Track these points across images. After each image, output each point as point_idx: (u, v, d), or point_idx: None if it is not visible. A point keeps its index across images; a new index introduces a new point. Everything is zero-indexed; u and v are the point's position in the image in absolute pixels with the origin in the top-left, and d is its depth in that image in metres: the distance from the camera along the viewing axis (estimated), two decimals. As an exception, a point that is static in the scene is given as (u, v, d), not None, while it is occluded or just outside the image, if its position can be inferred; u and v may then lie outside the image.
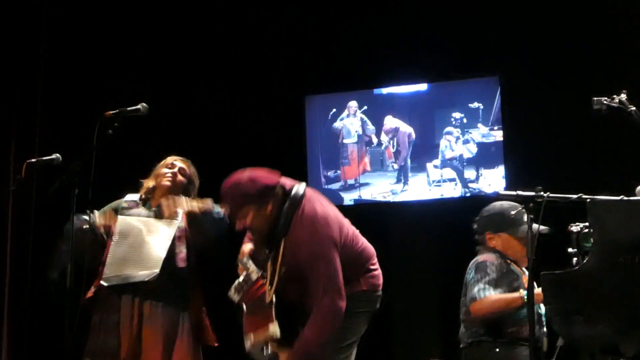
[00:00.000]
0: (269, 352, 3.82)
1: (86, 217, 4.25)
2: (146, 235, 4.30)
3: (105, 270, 4.26)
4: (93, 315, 4.29)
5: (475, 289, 4.11)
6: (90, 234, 4.27)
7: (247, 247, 4.06)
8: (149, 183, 4.47)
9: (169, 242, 4.28)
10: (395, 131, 7.12)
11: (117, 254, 4.28)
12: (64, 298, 3.79)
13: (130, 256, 4.27)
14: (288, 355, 3.79)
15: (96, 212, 4.34)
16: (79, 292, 4.00)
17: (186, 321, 4.28)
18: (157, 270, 4.20)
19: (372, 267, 4.05)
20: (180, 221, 4.36)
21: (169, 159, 4.52)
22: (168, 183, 4.41)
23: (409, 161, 7.07)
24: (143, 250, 4.26)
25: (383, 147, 7.15)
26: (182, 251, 4.32)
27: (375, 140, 7.17)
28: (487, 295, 4.08)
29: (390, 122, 7.14)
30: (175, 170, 4.45)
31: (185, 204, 4.32)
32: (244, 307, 3.93)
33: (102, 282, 4.24)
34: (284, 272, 3.83)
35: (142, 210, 4.41)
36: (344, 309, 3.80)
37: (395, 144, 7.12)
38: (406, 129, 7.10)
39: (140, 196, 4.47)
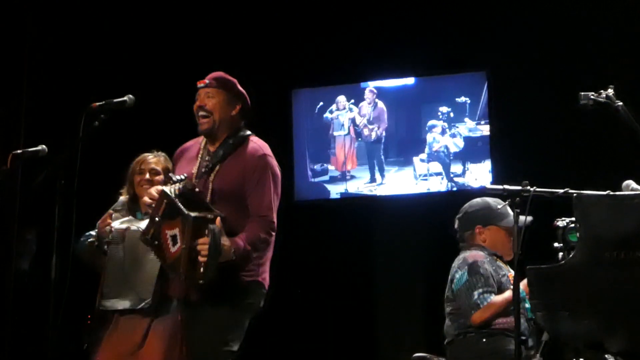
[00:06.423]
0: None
1: (92, 233, 4.24)
2: (139, 254, 4.11)
3: (103, 294, 4.19)
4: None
5: (475, 296, 4.10)
6: (96, 249, 4.24)
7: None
8: (129, 193, 4.35)
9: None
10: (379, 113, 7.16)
11: (112, 276, 4.18)
12: (46, 289, 3.76)
13: (124, 279, 4.14)
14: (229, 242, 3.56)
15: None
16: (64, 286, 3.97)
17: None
18: (150, 300, 4.05)
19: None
20: None
21: (138, 163, 4.37)
22: (149, 201, 3.92)
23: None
24: (138, 274, 4.11)
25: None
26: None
27: (366, 131, 7.16)
28: (490, 301, 4.08)
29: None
30: (147, 176, 4.28)
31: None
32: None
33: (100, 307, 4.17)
34: (211, 193, 3.72)
35: (132, 218, 4.26)
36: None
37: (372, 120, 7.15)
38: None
39: (127, 204, 4.33)
